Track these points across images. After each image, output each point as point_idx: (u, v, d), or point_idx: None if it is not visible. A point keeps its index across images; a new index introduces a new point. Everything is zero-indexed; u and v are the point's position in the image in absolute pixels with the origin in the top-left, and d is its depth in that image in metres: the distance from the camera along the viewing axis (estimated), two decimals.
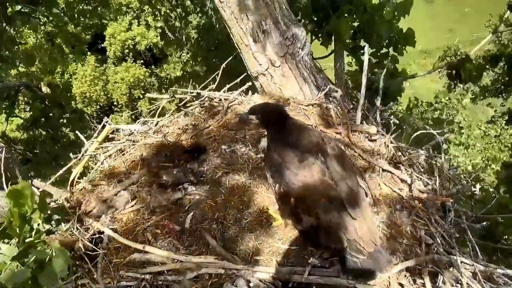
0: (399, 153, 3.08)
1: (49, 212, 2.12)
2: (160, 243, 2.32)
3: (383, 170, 2.84)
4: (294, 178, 2.00)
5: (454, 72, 5.50)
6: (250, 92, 3.91)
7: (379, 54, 5.02)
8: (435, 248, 2.27)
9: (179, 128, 3.46)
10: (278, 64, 3.61)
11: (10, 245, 1.97)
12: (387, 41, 4.78)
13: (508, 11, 6.01)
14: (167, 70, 16.91)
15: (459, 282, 2.13)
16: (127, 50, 15.50)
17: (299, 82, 3.71)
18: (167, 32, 15.78)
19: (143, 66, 15.87)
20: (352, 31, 4.74)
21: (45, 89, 12.35)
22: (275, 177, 2.11)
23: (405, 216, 2.49)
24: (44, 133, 10.64)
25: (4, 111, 9.16)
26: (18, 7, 8.09)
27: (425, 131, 3.26)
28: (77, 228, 2.32)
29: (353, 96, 5.11)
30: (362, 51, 4.77)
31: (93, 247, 2.24)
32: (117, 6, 14.56)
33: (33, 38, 12.18)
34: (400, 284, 2.10)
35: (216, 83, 3.92)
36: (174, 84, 14.59)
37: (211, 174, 2.79)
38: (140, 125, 3.56)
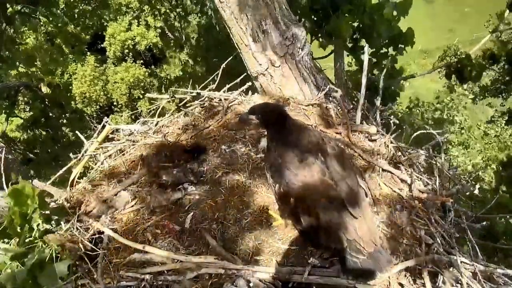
0: (399, 153, 3.08)
1: (48, 211, 2.13)
2: (160, 243, 2.32)
3: (383, 170, 2.84)
4: (294, 178, 2.00)
5: (453, 71, 5.50)
6: (250, 92, 3.90)
7: (378, 54, 5.03)
8: (435, 248, 2.27)
9: (179, 128, 3.46)
10: (278, 64, 3.61)
11: (10, 245, 1.97)
12: (387, 40, 4.79)
13: (508, 11, 6.02)
14: (167, 70, 16.90)
15: (459, 282, 2.13)
16: (127, 50, 15.49)
17: (299, 82, 3.71)
18: (167, 32, 15.79)
19: (143, 66, 15.85)
20: (352, 31, 4.74)
21: (45, 89, 12.35)
22: (275, 177, 2.11)
23: (405, 216, 2.49)
24: (44, 133, 10.65)
25: (4, 111, 9.16)
26: (18, 7, 8.09)
27: (425, 131, 3.26)
28: (77, 228, 2.32)
29: (353, 96, 5.11)
30: (362, 51, 4.78)
31: (93, 247, 2.24)
32: (116, 6, 14.56)
33: (33, 38, 12.19)
34: (400, 284, 2.10)
35: (216, 83, 3.92)
36: (174, 84, 14.59)
37: (211, 174, 2.79)
38: (140, 125, 3.56)
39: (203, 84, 3.95)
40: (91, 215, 2.52)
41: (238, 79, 3.94)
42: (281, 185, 2.05)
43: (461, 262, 2.21)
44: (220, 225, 2.39)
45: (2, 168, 2.50)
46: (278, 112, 2.25)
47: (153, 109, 3.87)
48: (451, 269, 2.20)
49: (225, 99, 3.67)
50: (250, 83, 3.94)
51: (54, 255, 1.97)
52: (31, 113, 10.89)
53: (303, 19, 4.95)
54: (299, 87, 3.73)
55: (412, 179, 2.71)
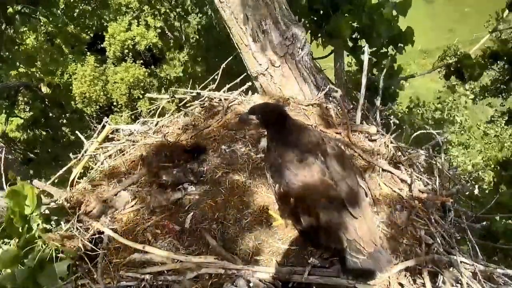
0: (399, 153, 3.08)
1: (46, 210, 2.13)
2: (160, 243, 2.32)
3: (383, 170, 2.84)
4: (294, 178, 2.00)
5: (453, 71, 5.50)
6: (250, 92, 3.90)
7: (378, 53, 5.03)
8: (435, 248, 2.27)
9: (179, 128, 3.46)
10: (278, 64, 3.61)
11: (10, 245, 1.97)
12: (387, 40, 4.79)
13: (507, 10, 6.02)
14: (166, 70, 16.90)
15: (459, 282, 2.13)
16: (126, 50, 15.49)
17: (299, 82, 3.71)
18: (166, 32, 15.79)
19: (143, 66, 15.86)
20: (351, 31, 4.74)
21: (45, 89, 12.35)
22: (275, 177, 2.11)
23: (405, 216, 2.49)
24: (44, 133, 10.65)
25: (4, 111, 9.16)
26: (18, 8, 8.10)
27: (425, 131, 3.26)
28: (77, 228, 2.32)
29: (353, 96, 5.11)
30: (362, 51, 4.77)
31: (93, 247, 2.24)
32: (116, 6, 14.56)
33: (33, 38, 12.19)
34: (400, 284, 2.10)
35: (216, 83, 3.92)
36: (174, 84, 14.60)
37: (211, 174, 2.79)
38: (140, 125, 3.56)
39: (203, 84, 3.95)
40: (91, 215, 2.52)
41: (238, 79, 3.94)
42: (281, 185, 2.05)
43: (461, 262, 2.21)
44: (220, 225, 2.39)
45: (2, 168, 2.50)
46: (278, 112, 2.25)
47: (153, 109, 3.88)
48: (451, 269, 2.20)
49: (225, 99, 3.67)
50: (250, 83, 3.94)
51: (54, 255, 1.97)
52: (31, 113, 10.89)
53: (303, 19, 4.95)
54: (299, 87, 3.72)
55: (412, 179, 2.71)
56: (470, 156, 13.19)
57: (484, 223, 2.85)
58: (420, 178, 2.87)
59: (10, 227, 1.92)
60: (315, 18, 4.97)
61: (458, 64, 5.42)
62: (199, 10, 13.91)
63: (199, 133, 3.30)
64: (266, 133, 2.37)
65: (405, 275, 2.14)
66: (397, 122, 3.50)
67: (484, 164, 12.23)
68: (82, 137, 3.33)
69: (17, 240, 1.99)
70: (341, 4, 4.67)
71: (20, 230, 1.96)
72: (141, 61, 16.04)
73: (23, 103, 11.62)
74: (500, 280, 2.26)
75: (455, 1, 23.27)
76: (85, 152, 3.19)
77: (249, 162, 2.86)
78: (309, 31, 5.04)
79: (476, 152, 13.35)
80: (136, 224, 2.46)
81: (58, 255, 1.99)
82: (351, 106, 3.83)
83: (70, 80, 14.85)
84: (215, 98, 3.73)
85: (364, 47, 3.61)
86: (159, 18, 14.60)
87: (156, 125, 3.56)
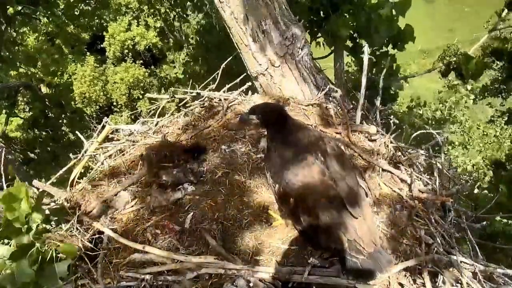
0: (399, 153, 3.08)
1: (47, 213, 2.13)
2: (160, 243, 2.32)
3: (383, 170, 2.84)
4: (294, 178, 2.00)
5: (451, 69, 5.50)
6: (250, 92, 3.91)
7: (377, 53, 5.03)
8: (435, 248, 2.27)
9: (179, 128, 3.46)
10: (277, 64, 3.61)
11: (10, 245, 1.97)
12: (386, 39, 4.79)
13: (506, 10, 6.03)
14: (166, 70, 16.91)
15: (459, 282, 2.13)
16: (126, 50, 15.52)
17: (299, 82, 3.71)
18: (166, 32, 15.79)
19: (143, 66, 15.88)
20: (351, 31, 4.74)
21: (45, 89, 12.36)
22: (275, 177, 2.11)
23: (405, 216, 2.49)
24: (44, 133, 10.64)
25: (4, 111, 9.16)
26: (19, 8, 8.10)
27: (425, 131, 3.26)
28: (77, 228, 2.32)
29: (353, 96, 5.11)
30: (362, 51, 4.77)
31: (93, 247, 2.24)
32: (116, 6, 14.57)
33: (33, 39, 12.20)
34: (400, 284, 2.10)
35: (216, 83, 3.92)
36: (174, 84, 14.61)
37: (211, 174, 2.79)
38: (140, 125, 3.56)
39: (203, 84, 3.95)
40: (91, 215, 2.52)
41: (238, 79, 3.94)
42: (281, 185, 2.05)
43: (461, 262, 2.21)
44: (220, 225, 2.39)
45: (2, 168, 2.50)
46: (278, 112, 2.25)
47: (153, 109, 3.88)
48: (451, 269, 2.20)
49: (225, 99, 3.67)
50: (250, 83, 3.94)
51: (54, 255, 1.97)
52: (31, 113, 10.89)
53: (302, 20, 4.95)
54: (299, 87, 3.72)
55: (412, 179, 2.71)
56: (470, 156, 13.20)
57: (484, 223, 2.85)
58: (420, 178, 2.87)
59: (7, 229, 1.92)
60: (315, 18, 4.97)
61: (458, 63, 5.42)
62: (199, 10, 13.91)
63: (199, 133, 3.30)
64: (266, 133, 2.37)
65: (405, 275, 2.14)
66: (397, 122, 3.50)
67: (484, 163, 12.24)
68: (82, 137, 3.33)
69: (17, 240, 1.98)
70: (341, 4, 4.67)
71: (19, 231, 1.95)
72: (141, 61, 16.06)
73: (23, 103, 11.62)
74: (500, 280, 2.26)
75: (455, 1, 23.28)
76: (85, 152, 3.19)
77: (249, 162, 2.86)
78: (309, 31, 5.04)
79: (476, 152, 13.35)
80: (136, 224, 2.46)
81: (58, 255, 1.99)
82: (351, 106, 3.84)
83: (70, 80, 14.87)
84: (215, 98, 3.73)
85: (364, 47, 3.61)
86: (159, 18, 14.61)
87: (156, 125, 3.56)
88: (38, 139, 10.60)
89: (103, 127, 3.35)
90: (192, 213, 2.49)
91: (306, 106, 3.58)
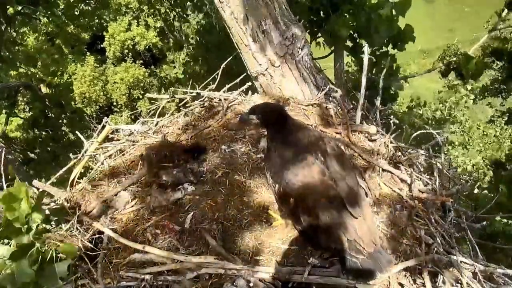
0: (399, 153, 3.08)
1: (47, 213, 2.13)
2: (160, 243, 2.32)
3: (383, 170, 2.84)
4: (294, 178, 2.00)
5: (451, 68, 5.50)
6: (250, 92, 3.91)
7: (377, 53, 5.03)
8: (435, 248, 2.27)
9: (179, 128, 3.46)
10: (277, 64, 3.61)
11: (10, 245, 1.97)
12: (386, 39, 4.79)
13: (506, 10, 6.04)
14: (166, 70, 16.91)
15: (459, 282, 2.13)
16: (126, 50, 15.52)
17: (299, 82, 3.71)
18: (166, 32, 15.79)
19: (143, 66, 15.88)
20: (351, 31, 4.74)
21: (45, 89, 12.35)
22: (275, 177, 2.11)
23: (405, 216, 2.49)
24: (44, 133, 10.65)
25: (4, 111, 9.17)
26: (19, 8, 8.10)
27: (425, 131, 3.26)
28: (77, 228, 2.32)
29: (353, 96, 5.11)
30: (362, 51, 4.77)
31: (93, 247, 2.24)
32: (116, 6, 14.57)
33: (33, 39, 12.20)
34: (400, 284, 2.10)
35: (216, 83, 3.92)
36: (174, 84, 14.62)
37: (211, 174, 2.79)
38: (140, 125, 3.56)
39: (203, 84, 3.95)
40: (91, 215, 2.52)
41: (238, 79, 3.93)
42: (281, 185, 2.05)
43: (461, 262, 2.21)
44: (220, 225, 2.39)
45: (2, 168, 2.50)
46: (278, 112, 2.26)
47: (153, 109, 3.88)
48: (451, 269, 2.20)
49: (225, 99, 3.67)
50: (250, 83, 3.94)
51: (54, 255, 1.97)
52: (31, 113, 10.90)
53: (302, 20, 4.95)
54: (299, 87, 3.72)
55: (412, 179, 2.71)
56: (470, 156, 13.20)
57: (484, 223, 2.85)
58: (420, 178, 2.87)
59: (7, 229, 1.92)
60: (315, 18, 4.97)
61: (458, 63, 5.42)
62: (199, 10, 13.91)
63: (199, 133, 3.30)
64: (266, 133, 2.37)
65: (405, 275, 2.14)
66: (397, 122, 3.50)
67: (484, 163, 12.24)
68: (82, 137, 3.33)
69: (17, 240, 1.98)
70: (341, 4, 4.67)
71: (19, 231, 1.95)
72: (141, 61, 16.06)
73: (23, 103, 11.63)
74: (500, 280, 2.26)
75: (455, 1, 23.29)
76: (85, 152, 3.19)
77: (249, 162, 2.86)
78: (309, 31, 5.04)
79: (476, 152, 13.36)
80: (136, 224, 2.46)
81: (58, 255, 1.99)
82: (351, 106, 3.84)
83: (70, 80, 14.87)
84: (215, 98, 3.73)
85: (364, 47, 3.61)
86: (159, 18, 14.61)
87: (156, 125, 3.56)
88: (38, 139, 10.60)
89: (103, 127, 3.35)
90: (192, 213, 2.49)
91: (306, 106, 3.57)
